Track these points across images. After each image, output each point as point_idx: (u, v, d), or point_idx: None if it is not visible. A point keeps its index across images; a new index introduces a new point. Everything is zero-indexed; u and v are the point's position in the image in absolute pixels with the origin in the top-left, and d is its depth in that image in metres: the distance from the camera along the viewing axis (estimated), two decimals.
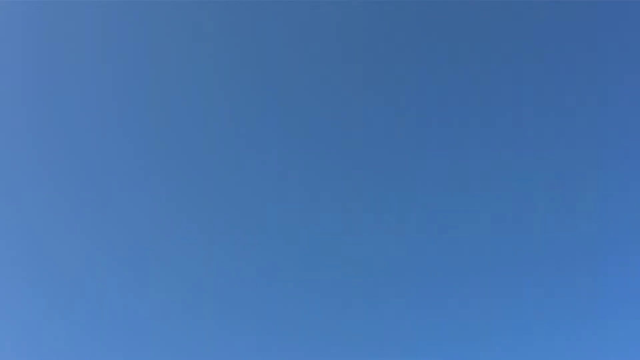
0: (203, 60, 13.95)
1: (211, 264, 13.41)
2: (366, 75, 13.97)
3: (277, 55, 13.72)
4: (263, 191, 13.68)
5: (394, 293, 12.78)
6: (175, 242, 13.64)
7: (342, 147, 13.85)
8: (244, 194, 13.77)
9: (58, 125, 13.37)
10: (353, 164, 13.75)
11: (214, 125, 14.13)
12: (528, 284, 12.03)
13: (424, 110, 13.65)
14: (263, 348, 12.04)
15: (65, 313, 12.72)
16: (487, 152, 13.15)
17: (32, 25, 12.86)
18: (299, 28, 13.82)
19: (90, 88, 13.27)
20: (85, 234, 13.49)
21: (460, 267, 12.72)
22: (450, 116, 13.40)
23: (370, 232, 13.55)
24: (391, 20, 13.66)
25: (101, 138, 13.47)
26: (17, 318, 12.58)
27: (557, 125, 13.30)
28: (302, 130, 14.32)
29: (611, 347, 11.52)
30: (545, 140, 13.29)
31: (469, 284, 12.27)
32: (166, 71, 13.83)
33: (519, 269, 12.72)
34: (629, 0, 12.46)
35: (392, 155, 13.48)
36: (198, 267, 13.44)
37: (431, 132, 13.74)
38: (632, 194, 12.62)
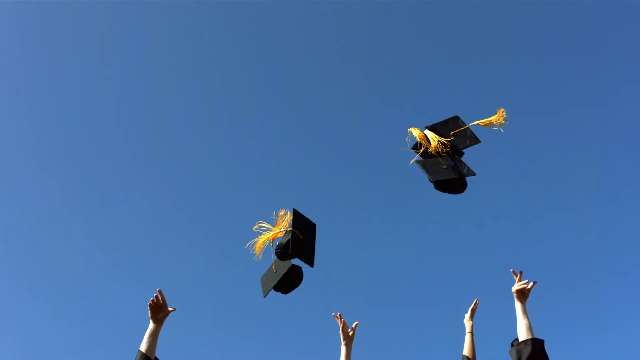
0: (203, 60, 13.95)
1: (211, 264, 13.40)
2: (366, 75, 13.98)
3: (277, 55, 13.73)
4: (262, 191, 13.68)
5: (394, 293, 12.77)
6: (174, 242, 13.64)
7: (343, 147, 13.85)
8: (244, 194, 13.76)
9: (58, 125, 13.38)
10: (353, 164, 13.75)
11: (214, 125, 14.12)
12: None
13: (424, 111, 13.64)
14: (263, 348, 12.03)
15: (65, 313, 12.71)
16: (486, 152, 13.15)
17: (32, 25, 12.87)
18: (299, 28, 13.82)
19: (90, 88, 13.28)
20: (85, 234, 13.49)
21: (460, 268, 12.72)
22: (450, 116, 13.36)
23: (370, 232, 13.53)
24: (391, 20, 13.67)
25: (101, 138, 13.47)
26: (17, 318, 12.58)
27: (556, 125, 13.30)
28: (303, 130, 14.31)
29: (611, 348, 11.50)
30: (545, 141, 13.28)
31: (469, 285, 12.25)
32: (166, 71, 13.83)
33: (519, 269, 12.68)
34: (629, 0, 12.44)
35: (392, 155, 13.48)
36: (197, 267, 13.43)
37: None
38: (633, 195, 12.61)
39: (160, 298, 4.17)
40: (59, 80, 13.24)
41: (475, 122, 4.75)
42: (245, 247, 4.60)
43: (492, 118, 4.68)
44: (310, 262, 4.55)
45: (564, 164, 13.10)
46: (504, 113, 4.64)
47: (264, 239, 4.59)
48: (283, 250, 4.52)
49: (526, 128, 13.37)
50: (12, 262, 13.05)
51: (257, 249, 4.60)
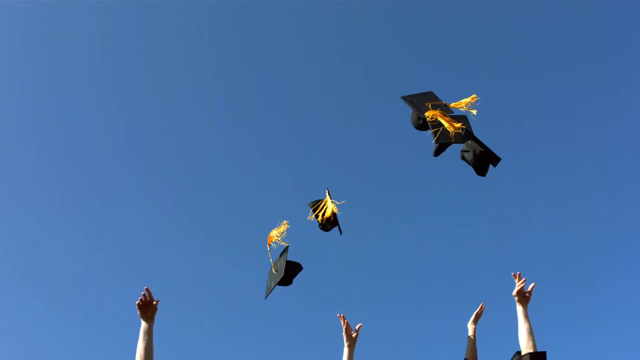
0: (203, 60, 13.95)
1: (210, 264, 13.40)
2: (366, 75, 13.98)
3: (276, 56, 13.73)
4: (262, 192, 13.68)
5: (394, 294, 12.77)
6: (174, 242, 13.63)
7: (342, 147, 13.85)
8: (244, 194, 13.76)
9: (58, 125, 13.37)
10: (353, 164, 13.75)
11: (213, 125, 14.12)
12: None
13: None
14: (263, 348, 12.02)
15: (65, 313, 12.71)
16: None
17: (32, 25, 12.86)
18: (299, 28, 13.82)
19: (90, 88, 13.27)
20: (84, 234, 13.49)
21: (461, 268, 12.71)
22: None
23: (371, 232, 13.54)
24: (391, 20, 13.67)
25: (101, 138, 13.47)
26: (17, 318, 12.57)
27: (557, 125, 13.30)
28: (302, 130, 14.31)
29: (611, 348, 11.50)
30: (545, 140, 13.28)
31: (470, 285, 12.25)
32: (166, 71, 13.83)
33: (519, 270, 12.66)
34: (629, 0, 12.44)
35: (392, 156, 13.48)
36: (197, 267, 13.43)
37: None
38: (633, 195, 12.61)
39: (147, 296, 4.13)
40: (59, 80, 13.24)
41: (450, 104, 4.88)
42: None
43: (465, 100, 4.79)
44: (339, 228, 5.46)
45: (564, 163, 13.11)
46: (475, 97, 4.76)
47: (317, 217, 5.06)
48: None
49: (526, 128, 13.38)
50: (12, 262, 13.05)
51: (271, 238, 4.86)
